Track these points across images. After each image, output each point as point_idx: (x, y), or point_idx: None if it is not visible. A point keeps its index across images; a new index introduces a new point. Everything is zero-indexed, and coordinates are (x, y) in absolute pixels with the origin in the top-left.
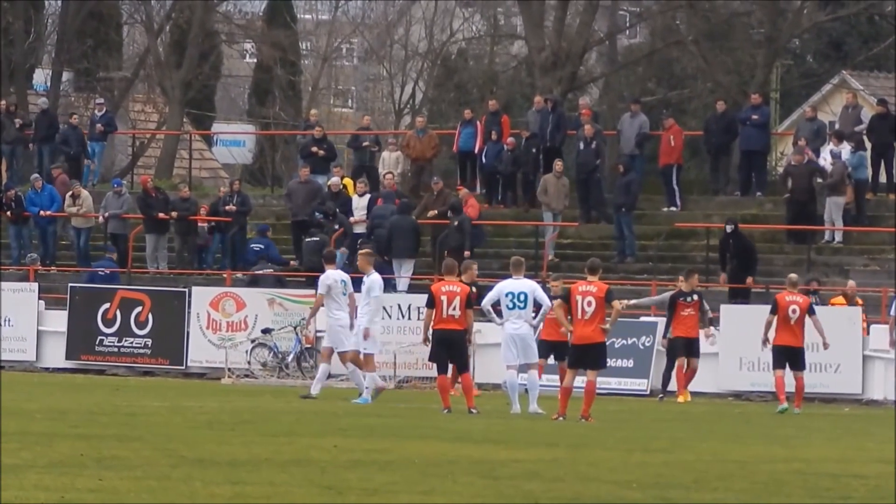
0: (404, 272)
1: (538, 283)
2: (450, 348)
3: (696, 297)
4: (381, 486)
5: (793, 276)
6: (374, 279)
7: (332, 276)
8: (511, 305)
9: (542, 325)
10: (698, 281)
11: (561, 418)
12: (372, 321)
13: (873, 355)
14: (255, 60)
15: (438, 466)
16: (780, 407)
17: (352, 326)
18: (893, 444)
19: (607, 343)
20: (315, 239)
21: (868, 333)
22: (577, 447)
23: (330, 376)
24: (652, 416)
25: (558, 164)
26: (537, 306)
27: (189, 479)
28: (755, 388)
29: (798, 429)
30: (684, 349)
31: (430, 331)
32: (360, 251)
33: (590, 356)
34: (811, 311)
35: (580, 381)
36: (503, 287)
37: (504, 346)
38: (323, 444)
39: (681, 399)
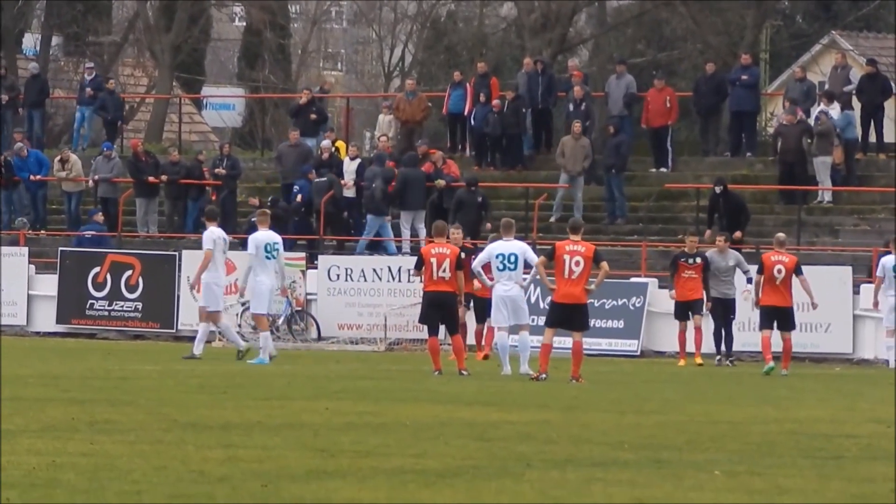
0: (417, 222)
1: (528, 244)
2: (441, 310)
3: (699, 259)
4: (374, 448)
5: (780, 235)
6: (255, 237)
7: (216, 233)
8: (501, 267)
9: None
10: (698, 243)
11: (543, 376)
12: (250, 279)
13: (864, 315)
14: (245, 24)
15: (430, 429)
16: (766, 367)
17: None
18: (885, 403)
19: (592, 304)
20: (297, 203)
21: (858, 293)
22: (569, 409)
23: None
24: (643, 378)
25: (576, 126)
26: (528, 267)
27: (181, 442)
28: (745, 348)
29: (790, 389)
30: (687, 311)
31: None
32: (259, 210)
33: (575, 317)
34: (798, 271)
35: (561, 341)
36: (493, 248)
37: (494, 308)
38: (315, 407)
39: (682, 363)
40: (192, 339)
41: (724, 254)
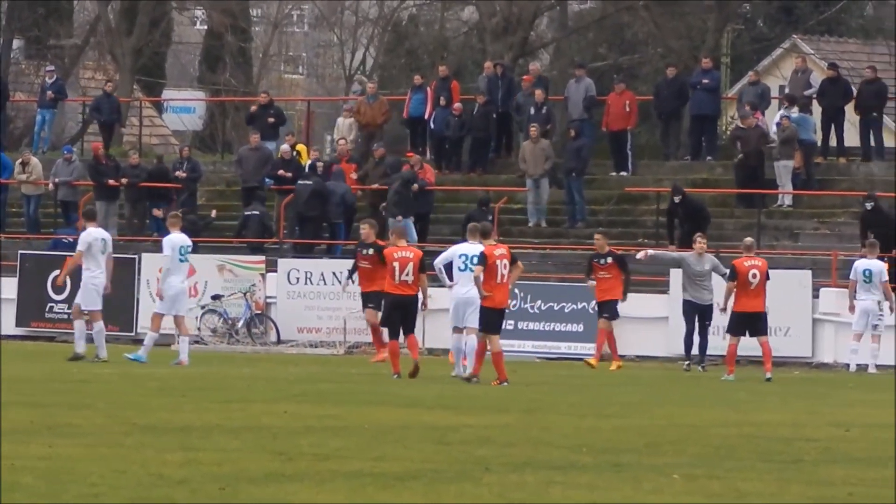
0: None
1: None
2: (403, 312)
3: (611, 258)
4: (333, 451)
5: (748, 239)
6: (170, 239)
7: (94, 234)
8: (463, 267)
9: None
10: (606, 242)
11: (475, 379)
12: (164, 280)
13: (823, 318)
14: (206, 27)
15: (390, 432)
16: (726, 376)
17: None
18: (844, 407)
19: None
20: (256, 213)
21: (818, 297)
22: (528, 412)
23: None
24: (603, 381)
25: (533, 130)
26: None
27: (141, 445)
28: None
29: (749, 392)
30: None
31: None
32: (172, 213)
33: (499, 322)
34: (768, 276)
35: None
36: (458, 249)
37: (453, 309)
38: (274, 410)
39: (594, 363)
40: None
41: (702, 258)
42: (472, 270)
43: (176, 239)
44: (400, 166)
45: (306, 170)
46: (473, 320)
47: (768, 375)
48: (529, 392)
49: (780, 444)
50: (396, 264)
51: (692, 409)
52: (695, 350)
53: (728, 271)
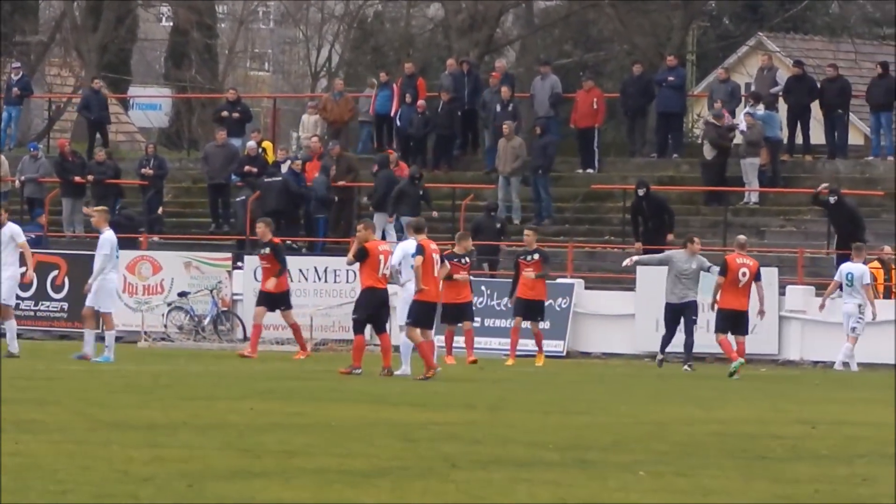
0: (388, 225)
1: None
2: (378, 308)
3: (537, 255)
4: (300, 448)
5: (741, 237)
6: (106, 237)
7: (113, 237)
8: (412, 266)
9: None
10: (535, 238)
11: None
12: (104, 277)
13: (789, 316)
14: (172, 24)
15: (356, 429)
16: (733, 364)
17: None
18: (810, 404)
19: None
20: (243, 198)
21: (784, 294)
22: (495, 409)
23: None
24: (569, 378)
25: (506, 127)
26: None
27: (107, 442)
28: (671, 349)
29: (715, 390)
30: (528, 311)
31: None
32: (96, 209)
33: (434, 315)
34: (758, 276)
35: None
36: (407, 247)
37: (400, 306)
38: (241, 407)
39: (510, 362)
40: (118, 339)
41: (692, 257)
42: None
43: (111, 236)
44: (387, 162)
45: (280, 168)
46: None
47: (742, 360)
48: (496, 389)
49: (746, 441)
50: (382, 258)
51: (658, 406)
52: (679, 349)
53: (717, 268)
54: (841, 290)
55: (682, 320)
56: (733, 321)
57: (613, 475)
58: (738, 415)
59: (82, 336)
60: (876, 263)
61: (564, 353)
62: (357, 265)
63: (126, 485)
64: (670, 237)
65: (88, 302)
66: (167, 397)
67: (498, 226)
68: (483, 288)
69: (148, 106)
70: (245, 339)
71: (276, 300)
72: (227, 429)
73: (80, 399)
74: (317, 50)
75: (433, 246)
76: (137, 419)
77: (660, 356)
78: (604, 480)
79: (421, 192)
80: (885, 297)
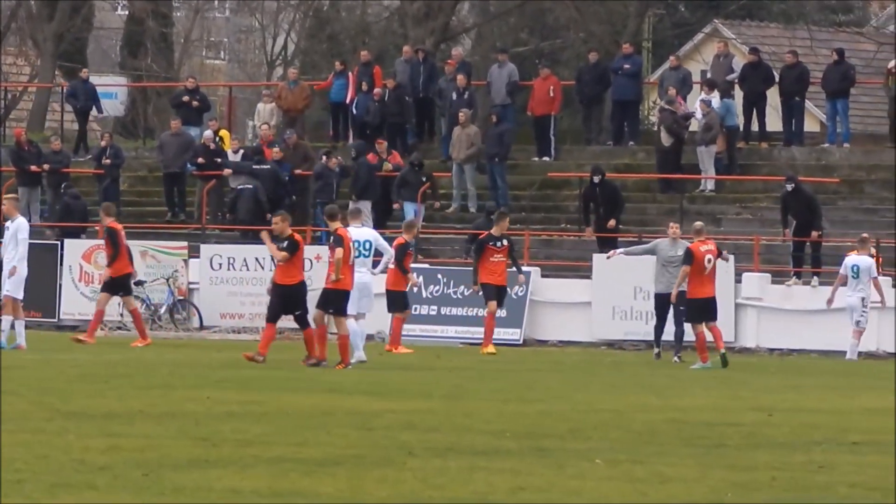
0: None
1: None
2: (345, 298)
3: (505, 241)
4: (255, 437)
5: (698, 224)
6: (19, 223)
7: None
8: (356, 254)
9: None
10: (507, 225)
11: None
12: (20, 262)
13: (745, 303)
14: (127, 13)
15: (313, 418)
16: (700, 364)
17: None
18: (767, 392)
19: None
20: (249, 186)
21: (740, 281)
22: (452, 398)
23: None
24: (526, 367)
25: (462, 115)
26: (379, 255)
27: (63, 431)
28: (628, 336)
29: (672, 378)
30: (496, 296)
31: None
32: (7, 196)
33: (347, 303)
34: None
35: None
36: (375, 234)
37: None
38: (197, 396)
39: (489, 350)
40: (74, 328)
41: (676, 243)
42: (363, 255)
43: (25, 223)
44: (366, 150)
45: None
46: (362, 305)
47: (722, 351)
48: (453, 377)
49: (703, 429)
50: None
51: (615, 394)
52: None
53: (731, 256)
54: (845, 283)
55: (671, 309)
56: (705, 309)
57: (570, 463)
58: (695, 403)
59: (39, 325)
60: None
61: (521, 342)
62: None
63: (83, 474)
64: (612, 223)
65: (8, 289)
66: (123, 386)
67: (424, 178)
68: (439, 276)
69: (103, 95)
70: (202, 327)
71: (116, 286)
72: (183, 418)
73: (35, 388)
74: (272, 38)
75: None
76: (94, 408)
77: (656, 349)
78: (561, 468)
79: (424, 179)
80: None
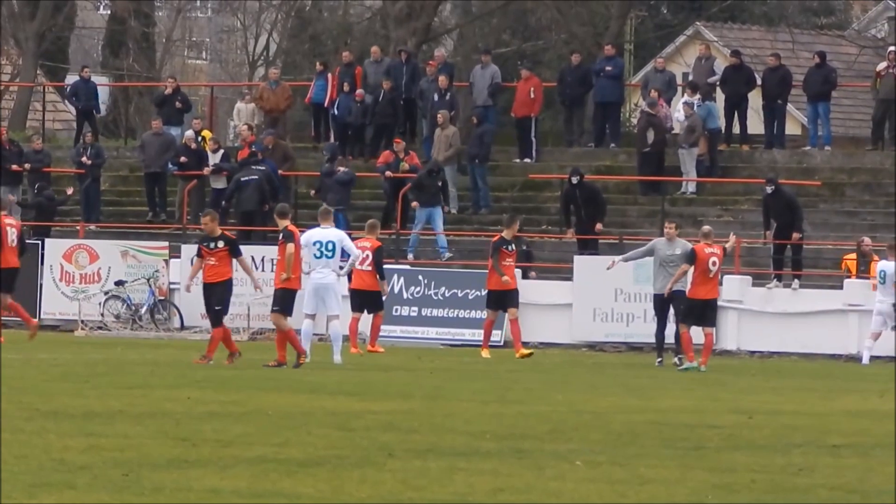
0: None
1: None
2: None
3: (514, 247)
4: (236, 437)
5: (706, 227)
6: None
7: None
8: (318, 254)
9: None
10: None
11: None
12: None
13: (726, 306)
14: (109, 12)
15: (293, 418)
16: (687, 364)
17: None
18: (746, 393)
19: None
20: (254, 177)
21: (721, 284)
22: (432, 399)
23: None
24: (507, 368)
25: (441, 116)
26: (345, 256)
27: (43, 431)
28: (609, 338)
29: (652, 379)
30: (509, 300)
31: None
32: None
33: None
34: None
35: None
36: (311, 236)
37: (307, 295)
38: (177, 395)
39: (523, 352)
40: (54, 327)
41: (673, 242)
42: (327, 257)
43: None
44: (339, 153)
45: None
46: (330, 307)
47: (703, 369)
48: (433, 378)
49: (682, 431)
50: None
51: (595, 395)
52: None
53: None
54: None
55: (670, 310)
56: (703, 311)
57: (550, 464)
58: (676, 404)
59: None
60: (853, 255)
61: (502, 343)
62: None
63: (62, 473)
64: (599, 227)
65: None
66: (104, 386)
67: (439, 184)
68: (420, 277)
69: None
70: (182, 327)
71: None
72: (163, 417)
73: (15, 387)
74: (254, 38)
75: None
76: (74, 408)
77: (659, 358)
78: (540, 470)
79: (440, 185)
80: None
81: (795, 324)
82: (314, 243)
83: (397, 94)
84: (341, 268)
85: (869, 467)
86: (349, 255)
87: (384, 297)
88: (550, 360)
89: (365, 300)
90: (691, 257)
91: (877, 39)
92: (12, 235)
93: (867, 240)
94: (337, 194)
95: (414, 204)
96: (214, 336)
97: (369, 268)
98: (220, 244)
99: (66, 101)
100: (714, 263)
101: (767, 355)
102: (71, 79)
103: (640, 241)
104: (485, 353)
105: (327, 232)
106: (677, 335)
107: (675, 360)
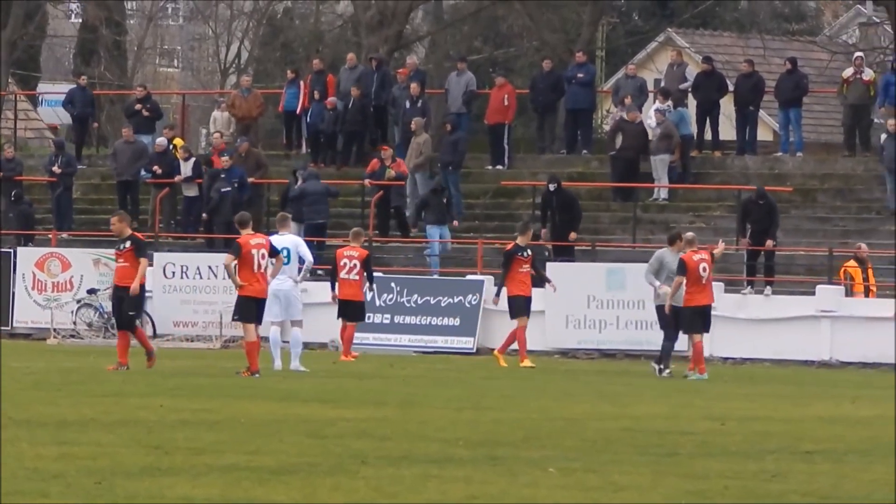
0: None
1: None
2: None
3: (530, 252)
4: (208, 445)
5: (689, 234)
6: None
7: None
8: (287, 261)
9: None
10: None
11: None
12: None
13: None
14: (81, 20)
15: (265, 426)
16: (698, 375)
17: None
18: (720, 400)
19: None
20: (228, 189)
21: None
22: (405, 406)
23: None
24: (479, 375)
25: (415, 123)
26: (302, 262)
27: (16, 439)
28: (581, 345)
29: (626, 386)
30: (526, 307)
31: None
32: None
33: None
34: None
35: None
36: (275, 241)
37: (268, 303)
38: (150, 404)
39: (527, 363)
40: (27, 336)
41: (678, 253)
42: (284, 263)
43: None
44: (305, 166)
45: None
46: (290, 313)
47: (698, 376)
48: (406, 386)
49: (655, 437)
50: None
51: (568, 402)
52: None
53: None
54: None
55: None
56: (702, 317)
57: (524, 471)
58: (648, 411)
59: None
60: (853, 262)
61: (475, 350)
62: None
63: (34, 482)
64: (573, 235)
65: None
66: (76, 394)
67: (444, 200)
68: (392, 284)
69: (57, 102)
70: (155, 335)
71: None
72: (136, 426)
73: None
74: (226, 46)
75: (256, 241)
76: (47, 416)
77: (667, 371)
78: (514, 477)
79: (445, 201)
80: (864, 296)
81: (768, 330)
82: (282, 250)
83: (368, 102)
84: (299, 272)
85: (842, 473)
86: (304, 261)
87: (367, 300)
88: (524, 368)
89: (348, 310)
90: (682, 268)
91: (848, 45)
92: None
93: (863, 246)
94: (319, 205)
95: (414, 229)
96: (125, 342)
97: (356, 277)
98: (128, 244)
99: (63, 107)
100: (704, 269)
101: (740, 361)
102: (43, 87)
103: (613, 249)
104: (527, 363)
105: (283, 238)
106: (668, 348)
107: (654, 366)
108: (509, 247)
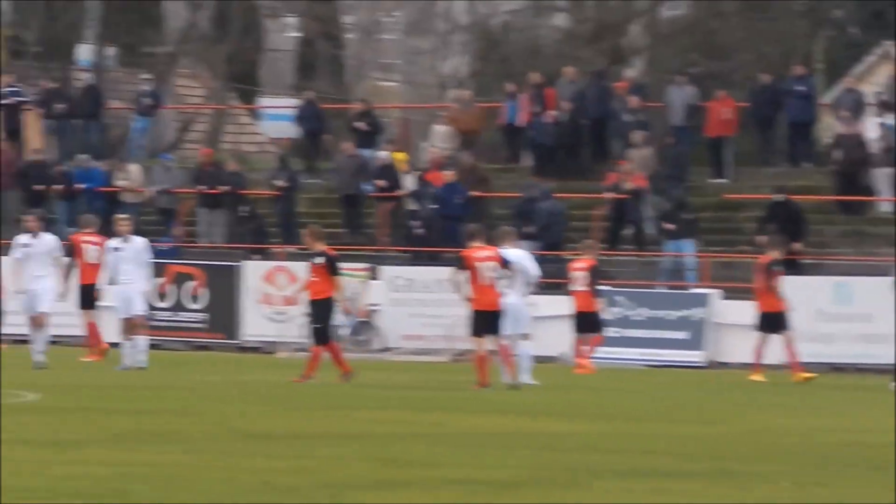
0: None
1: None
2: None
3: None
4: (441, 459)
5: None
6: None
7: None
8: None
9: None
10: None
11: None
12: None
13: None
14: (299, 34)
15: (496, 439)
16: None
17: None
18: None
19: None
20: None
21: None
22: (635, 420)
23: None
24: (709, 389)
25: (640, 136)
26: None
27: (250, 453)
28: (810, 359)
29: (856, 400)
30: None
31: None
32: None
33: None
34: None
35: None
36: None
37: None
38: (381, 417)
39: (757, 377)
40: (256, 349)
41: None
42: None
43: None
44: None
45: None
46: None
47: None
48: (634, 399)
49: (888, 452)
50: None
51: (797, 415)
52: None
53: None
54: None
55: None
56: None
57: (756, 486)
58: (880, 425)
59: (221, 347)
60: None
61: (706, 364)
62: None
63: (269, 494)
64: (798, 247)
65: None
66: (307, 407)
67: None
68: (619, 297)
69: (277, 117)
70: (385, 349)
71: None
72: (368, 439)
73: (219, 410)
74: (444, 60)
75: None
76: (279, 429)
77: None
78: (747, 491)
79: (686, 215)
80: None
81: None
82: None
83: (586, 115)
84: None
85: None
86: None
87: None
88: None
89: (584, 321)
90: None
91: None
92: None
93: None
94: (556, 226)
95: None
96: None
97: (585, 288)
98: (322, 260)
99: (293, 124)
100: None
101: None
102: (263, 101)
103: (839, 263)
104: (756, 377)
105: (507, 253)
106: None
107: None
108: (765, 261)
